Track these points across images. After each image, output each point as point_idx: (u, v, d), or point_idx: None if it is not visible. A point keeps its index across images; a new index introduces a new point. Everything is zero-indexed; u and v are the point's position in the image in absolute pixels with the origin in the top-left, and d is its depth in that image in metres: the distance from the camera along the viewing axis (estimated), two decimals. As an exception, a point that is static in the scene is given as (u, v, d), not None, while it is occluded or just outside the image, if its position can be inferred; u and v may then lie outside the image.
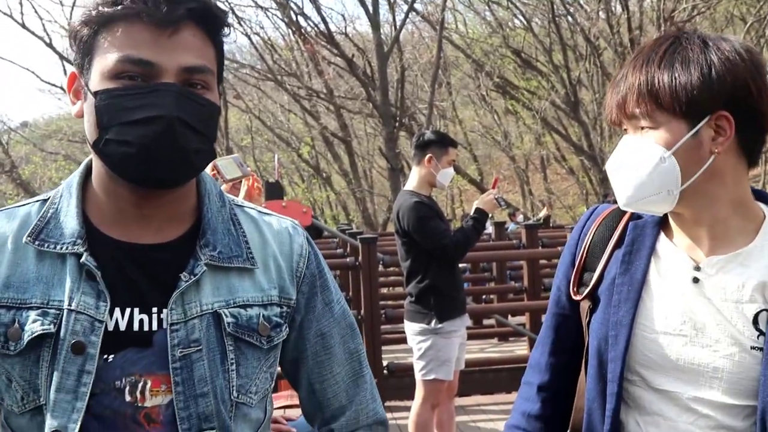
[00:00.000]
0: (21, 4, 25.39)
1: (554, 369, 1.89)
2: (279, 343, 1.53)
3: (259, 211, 1.62)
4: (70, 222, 1.44)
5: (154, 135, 1.34)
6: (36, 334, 1.37)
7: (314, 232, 8.35)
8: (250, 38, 24.92)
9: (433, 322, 4.95)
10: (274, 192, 10.25)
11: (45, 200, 1.50)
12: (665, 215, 1.70)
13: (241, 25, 23.72)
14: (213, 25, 1.44)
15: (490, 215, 5.06)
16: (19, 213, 1.49)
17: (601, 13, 21.70)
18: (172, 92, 1.35)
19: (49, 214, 1.46)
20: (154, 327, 1.41)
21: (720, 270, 1.61)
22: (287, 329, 1.54)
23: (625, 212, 1.75)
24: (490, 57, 24.53)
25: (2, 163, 25.20)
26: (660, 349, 1.63)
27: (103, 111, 1.36)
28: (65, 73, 23.78)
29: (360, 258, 7.78)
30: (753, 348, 1.55)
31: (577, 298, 1.78)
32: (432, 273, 4.98)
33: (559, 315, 1.87)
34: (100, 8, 1.39)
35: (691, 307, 1.61)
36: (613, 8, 21.67)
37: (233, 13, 23.08)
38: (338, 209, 30.48)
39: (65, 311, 1.38)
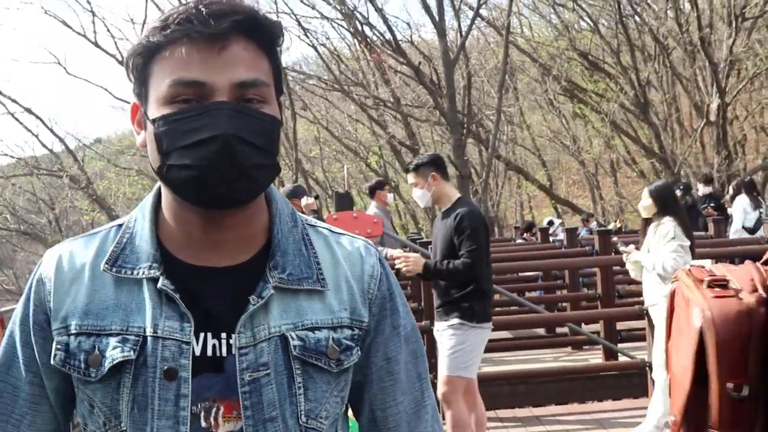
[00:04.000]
0: (93, 23, 25.95)
1: None
2: (350, 367, 1.49)
3: (332, 231, 1.58)
4: (144, 246, 1.45)
5: (213, 155, 1.33)
6: (117, 360, 1.38)
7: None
8: (316, 49, 25.15)
9: None
10: (344, 203, 10.28)
11: (120, 225, 1.51)
12: None
13: (307, 36, 23.99)
14: (264, 36, 1.42)
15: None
16: (95, 240, 1.50)
17: (669, 11, 21.39)
18: (226, 110, 1.34)
19: (124, 240, 1.47)
20: (224, 352, 1.40)
21: None
22: (359, 352, 1.50)
23: None
24: (557, 60, 24.31)
25: (78, 179, 25.76)
26: None
27: (162, 137, 1.37)
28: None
29: (431, 268, 7.74)
30: None
31: None
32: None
33: None
34: (150, 37, 1.38)
35: None
36: (681, 6, 21.36)
37: (299, 24, 23.35)
38: (407, 218, 30.52)
39: (150, 338, 1.38)
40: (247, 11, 1.39)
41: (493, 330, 9.74)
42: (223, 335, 1.40)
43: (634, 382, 7.80)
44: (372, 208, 9.09)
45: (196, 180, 1.36)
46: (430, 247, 8.13)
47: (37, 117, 25.17)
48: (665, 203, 6.09)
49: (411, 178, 5.66)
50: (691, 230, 6.14)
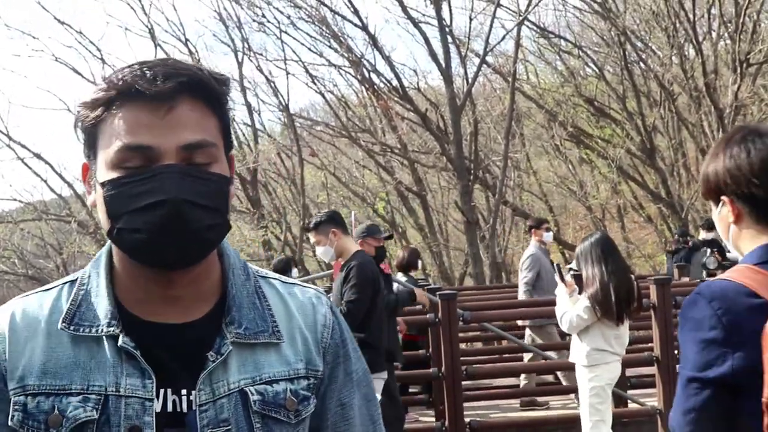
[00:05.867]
0: (103, 70, 26.11)
1: None
2: (308, 416, 1.52)
3: (284, 282, 1.61)
4: (102, 303, 1.45)
5: (162, 220, 1.35)
6: (80, 420, 1.37)
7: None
8: (324, 96, 25.29)
9: None
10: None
11: (72, 281, 1.51)
12: None
13: (314, 83, 24.14)
14: (211, 95, 1.44)
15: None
16: (48, 297, 1.49)
17: (674, 58, 21.49)
18: (174, 174, 1.35)
19: (80, 297, 1.46)
20: (185, 408, 1.42)
21: None
22: (315, 401, 1.53)
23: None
24: (563, 106, 24.42)
25: (86, 224, 25.79)
26: None
27: (111, 201, 1.39)
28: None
29: (440, 314, 7.73)
30: None
31: None
32: None
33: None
34: (95, 101, 1.40)
35: None
36: (686, 52, 21.45)
37: (307, 72, 23.52)
38: (414, 263, 30.41)
39: (112, 396, 1.39)
40: (192, 72, 1.40)
41: (502, 377, 9.71)
42: (184, 392, 1.42)
43: (644, 429, 7.73)
44: (531, 246, 9.54)
45: (146, 243, 1.37)
46: (438, 293, 8.13)
47: (47, 162, 25.27)
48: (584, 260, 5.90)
49: (312, 236, 6.01)
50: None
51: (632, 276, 6.01)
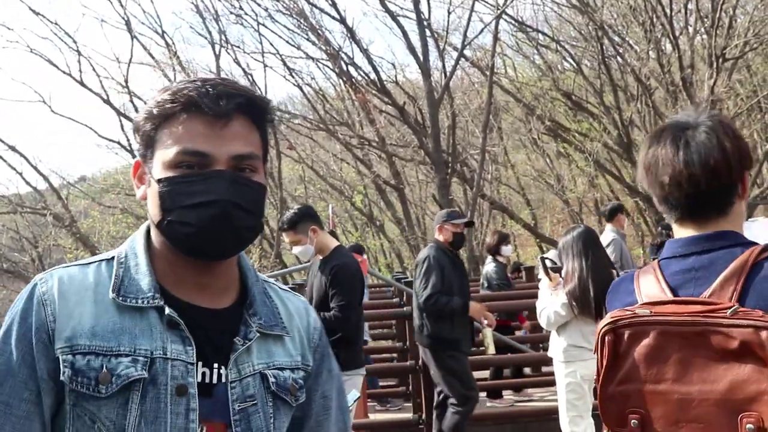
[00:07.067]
0: (79, 62, 25.95)
1: None
2: (299, 404, 1.75)
3: (280, 288, 1.86)
4: (144, 279, 1.63)
5: (211, 217, 1.56)
6: (132, 378, 1.53)
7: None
8: (301, 89, 25.31)
9: None
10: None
11: (109, 260, 1.68)
12: None
13: (292, 76, 24.11)
14: (257, 114, 1.66)
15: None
16: (89, 270, 1.66)
17: (651, 52, 21.58)
18: (225, 179, 1.57)
19: (121, 273, 1.64)
20: (215, 380, 1.61)
21: None
22: (304, 392, 1.76)
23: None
24: (541, 100, 24.48)
25: (62, 217, 25.63)
26: None
27: (165, 196, 1.59)
28: (122, 128, 24.24)
29: (416, 307, 7.70)
30: None
31: None
32: None
33: None
34: (161, 108, 1.61)
35: None
36: (663, 47, 21.55)
37: (285, 64, 23.49)
38: (392, 257, 30.48)
39: (159, 359, 1.56)
40: (247, 94, 1.64)
41: (478, 370, 9.74)
42: (216, 365, 1.61)
43: (620, 421, 7.76)
44: (608, 231, 9.44)
45: (194, 236, 1.58)
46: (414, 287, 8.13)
47: (22, 155, 25.04)
48: (564, 253, 5.84)
49: (289, 236, 5.60)
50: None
51: (614, 271, 5.90)
